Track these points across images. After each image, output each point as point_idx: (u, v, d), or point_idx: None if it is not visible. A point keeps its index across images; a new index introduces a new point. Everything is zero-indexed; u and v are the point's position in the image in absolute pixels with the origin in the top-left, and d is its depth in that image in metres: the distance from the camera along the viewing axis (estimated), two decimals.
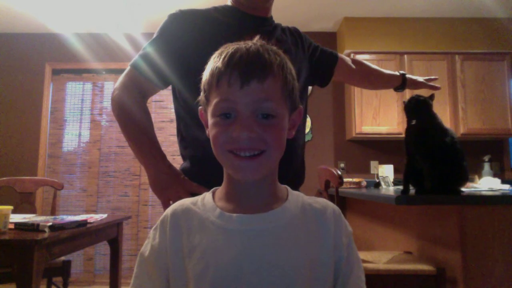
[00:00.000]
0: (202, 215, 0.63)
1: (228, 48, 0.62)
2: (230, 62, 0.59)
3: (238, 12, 1.08)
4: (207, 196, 0.67)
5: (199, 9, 1.06)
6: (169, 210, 0.66)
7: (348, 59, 1.33)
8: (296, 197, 0.66)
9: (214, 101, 0.60)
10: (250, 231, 0.59)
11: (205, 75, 0.64)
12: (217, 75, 0.60)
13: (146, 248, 0.64)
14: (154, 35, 1.04)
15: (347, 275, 0.63)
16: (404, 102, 1.62)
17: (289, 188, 0.68)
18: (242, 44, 0.62)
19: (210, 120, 0.62)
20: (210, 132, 0.62)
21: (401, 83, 1.44)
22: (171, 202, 0.96)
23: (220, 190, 0.67)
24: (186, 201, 0.67)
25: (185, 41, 1.00)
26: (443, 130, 1.48)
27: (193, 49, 0.99)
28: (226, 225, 0.60)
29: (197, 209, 0.64)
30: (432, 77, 1.52)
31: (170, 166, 0.99)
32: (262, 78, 0.58)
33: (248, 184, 0.62)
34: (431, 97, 1.56)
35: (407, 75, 1.45)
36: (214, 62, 0.62)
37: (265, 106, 0.58)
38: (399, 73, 1.45)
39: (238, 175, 0.61)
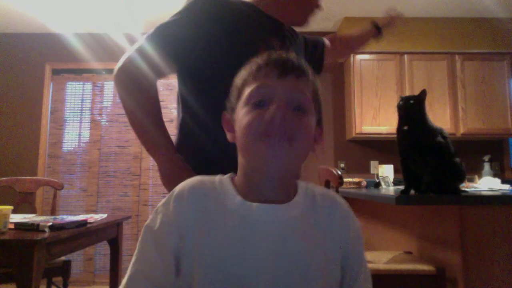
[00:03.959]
0: (222, 199, 0.61)
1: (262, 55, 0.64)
2: (269, 59, 0.62)
3: (262, 13, 1.03)
4: (225, 180, 0.64)
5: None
6: (186, 185, 0.62)
7: (327, 42, 1.32)
8: (306, 187, 0.66)
9: (248, 90, 0.61)
10: (270, 222, 0.58)
11: (237, 79, 0.65)
12: (255, 70, 0.62)
13: (154, 222, 0.60)
14: (179, 11, 0.97)
15: (354, 275, 0.64)
16: (398, 104, 1.64)
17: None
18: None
19: (241, 112, 0.61)
20: (241, 122, 0.60)
21: (376, 30, 1.38)
22: None
23: (239, 178, 0.64)
24: (204, 179, 0.64)
25: (212, 27, 0.93)
26: (434, 131, 1.50)
27: (217, 38, 0.92)
28: (245, 214, 0.58)
29: (215, 191, 0.62)
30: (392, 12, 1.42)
31: (183, 160, 0.93)
32: (298, 75, 0.61)
33: (269, 177, 0.60)
34: (422, 94, 1.57)
35: (376, 22, 1.39)
36: (249, 65, 0.64)
37: (300, 98, 0.60)
38: (371, 24, 1.38)
39: (266, 162, 0.58)
